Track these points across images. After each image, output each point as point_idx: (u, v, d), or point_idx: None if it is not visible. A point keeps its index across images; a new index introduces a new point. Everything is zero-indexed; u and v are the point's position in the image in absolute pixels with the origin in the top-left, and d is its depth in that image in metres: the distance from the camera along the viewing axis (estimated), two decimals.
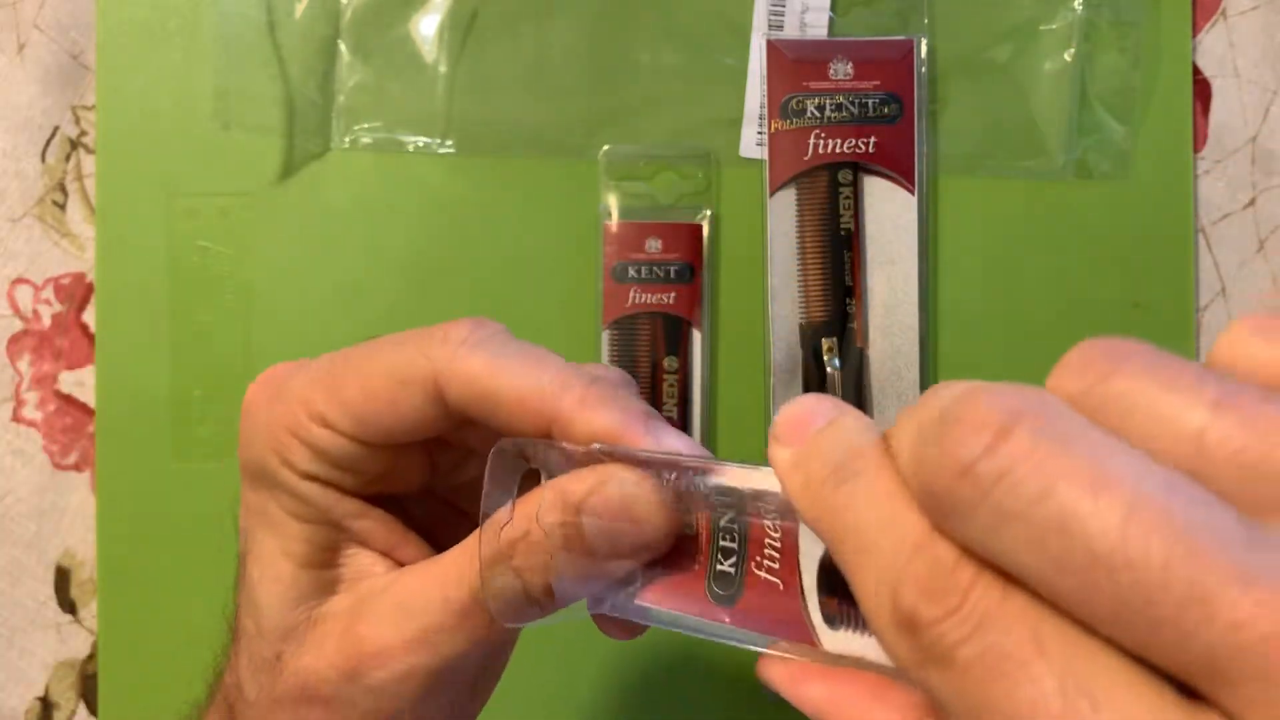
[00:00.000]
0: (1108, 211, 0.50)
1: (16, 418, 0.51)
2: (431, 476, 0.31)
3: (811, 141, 0.49)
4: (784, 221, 0.49)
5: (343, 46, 0.50)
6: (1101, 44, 0.50)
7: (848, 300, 0.49)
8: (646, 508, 0.25)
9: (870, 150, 0.49)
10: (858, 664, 0.23)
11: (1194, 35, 0.51)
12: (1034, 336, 0.50)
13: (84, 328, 0.51)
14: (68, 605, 0.50)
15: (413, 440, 0.28)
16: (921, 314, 0.49)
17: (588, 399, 0.26)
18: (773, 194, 0.49)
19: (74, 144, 0.51)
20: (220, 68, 0.50)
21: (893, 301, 0.49)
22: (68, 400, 0.51)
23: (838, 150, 0.49)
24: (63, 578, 0.51)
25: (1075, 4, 0.50)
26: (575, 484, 0.26)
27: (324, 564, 0.29)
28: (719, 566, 0.25)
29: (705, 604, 0.25)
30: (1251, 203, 0.51)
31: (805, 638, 0.23)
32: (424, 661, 0.28)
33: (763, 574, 0.24)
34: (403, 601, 0.28)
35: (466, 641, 0.28)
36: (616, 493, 0.25)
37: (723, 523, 0.25)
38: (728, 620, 0.25)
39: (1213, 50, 0.51)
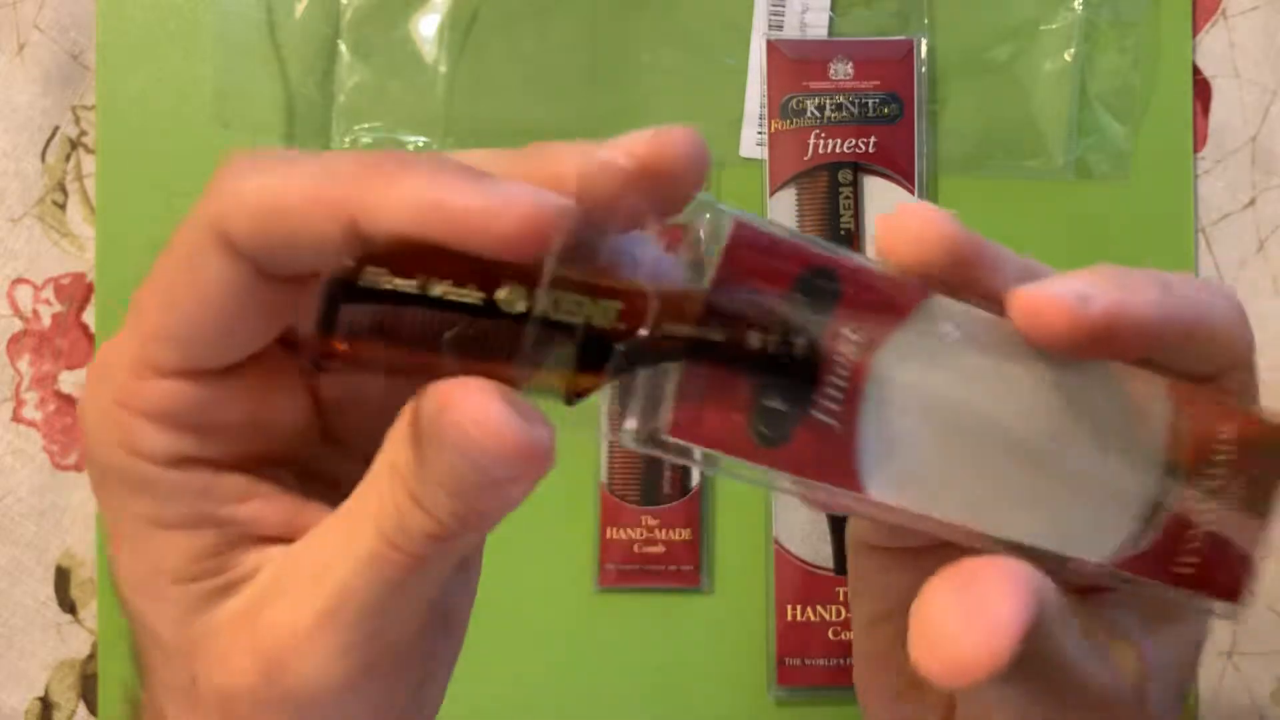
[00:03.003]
0: (1108, 211, 0.50)
1: (16, 418, 0.51)
2: (324, 417, 0.26)
3: (811, 141, 0.49)
4: (784, 221, 0.49)
5: (343, 46, 0.50)
6: (1101, 44, 0.50)
7: None
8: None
9: (870, 150, 0.49)
10: (905, 516, 0.23)
11: (1194, 35, 0.51)
12: None
13: (84, 328, 0.51)
14: (68, 605, 0.50)
15: (253, 336, 0.23)
16: None
17: (403, 166, 0.21)
18: (773, 194, 0.49)
19: (74, 144, 0.51)
20: (220, 68, 0.50)
21: None
22: (68, 400, 0.51)
23: (838, 150, 0.49)
24: (63, 578, 0.51)
25: (1075, 4, 0.50)
26: None
27: (211, 573, 0.24)
28: (768, 403, 0.23)
29: (746, 443, 0.23)
30: (1251, 203, 0.51)
31: (852, 485, 0.23)
32: (347, 632, 0.23)
33: (818, 414, 0.23)
34: (307, 567, 0.23)
35: (398, 582, 0.23)
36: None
37: (786, 352, 0.23)
38: (768, 464, 0.23)
39: (1213, 50, 0.51)
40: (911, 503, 0.23)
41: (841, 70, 0.49)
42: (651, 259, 0.22)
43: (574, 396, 0.22)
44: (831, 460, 0.23)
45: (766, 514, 0.49)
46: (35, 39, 0.51)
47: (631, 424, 0.23)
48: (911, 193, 0.49)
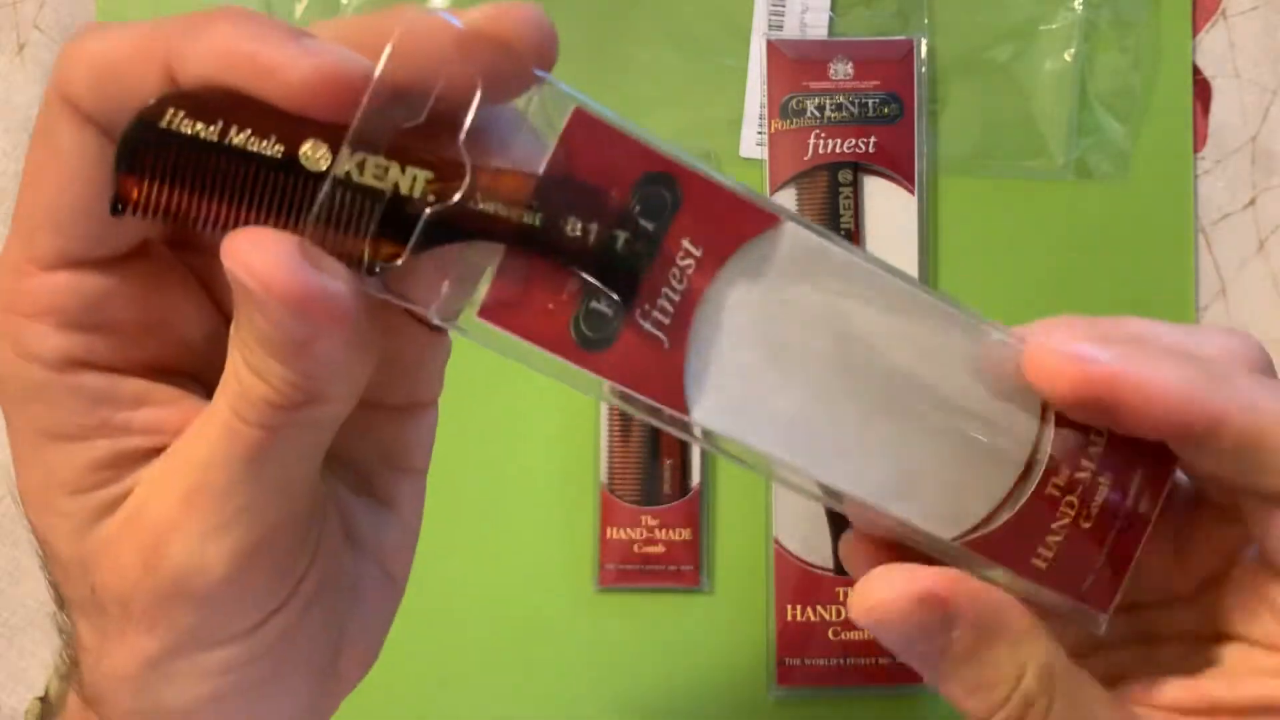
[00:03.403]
0: (1108, 211, 0.50)
1: None
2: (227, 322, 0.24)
3: (811, 141, 0.49)
4: None
5: None
6: (1101, 44, 0.50)
7: None
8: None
9: (870, 150, 0.49)
10: (728, 452, 0.22)
11: (1194, 35, 0.51)
12: None
13: None
14: None
15: (130, 229, 0.23)
16: None
17: (220, 18, 0.21)
18: (773, 194, 0.49)
19: None
20: None
21: None
22: None
23: (838, 150, 0.49)
24: None
25: (1075, 4, 0.50)
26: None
27: (105, 483, 0.23)
28: (593, 304, 0.22)
29: (565, 341, 0.22)
30: (1251, 203, 0.51)
31: (676, 404, 0.22)
32: (212, 512, 0.22)
33: (647, 325, 0.22)
34: (178, 456, 0.23)
35: (253, 458, 0.22)
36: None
37: (612, 248, 0.22)
38: (587, 367, 0.22)
39: (1213, 50, 0.51)
40: (740, 433, 0.22)
41: (841, 70, 0.49)
42: (479, 134, 0.21)
43: (375, 266, 0.21)
44: (656, 375, 0.22)
45: (767, 514, 0.49)
46: (35, 39, 0.51)
47: (439, 301, 0.22)
48: (911, 193, 0.49)
